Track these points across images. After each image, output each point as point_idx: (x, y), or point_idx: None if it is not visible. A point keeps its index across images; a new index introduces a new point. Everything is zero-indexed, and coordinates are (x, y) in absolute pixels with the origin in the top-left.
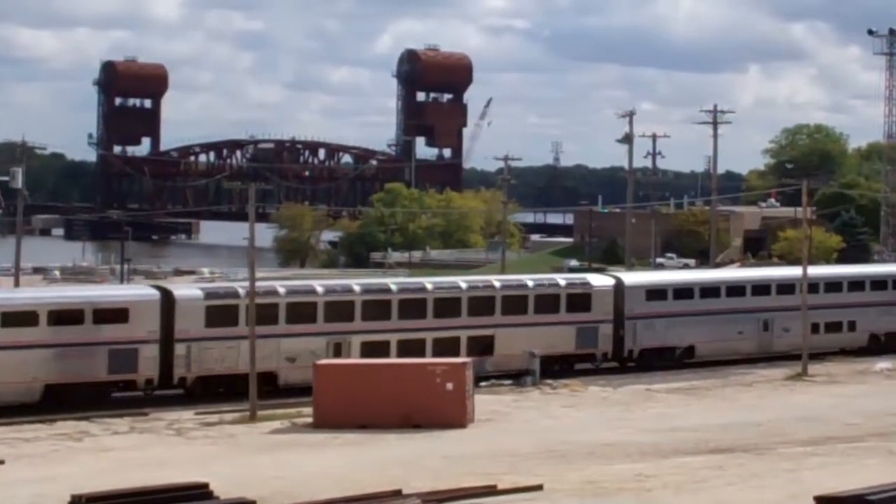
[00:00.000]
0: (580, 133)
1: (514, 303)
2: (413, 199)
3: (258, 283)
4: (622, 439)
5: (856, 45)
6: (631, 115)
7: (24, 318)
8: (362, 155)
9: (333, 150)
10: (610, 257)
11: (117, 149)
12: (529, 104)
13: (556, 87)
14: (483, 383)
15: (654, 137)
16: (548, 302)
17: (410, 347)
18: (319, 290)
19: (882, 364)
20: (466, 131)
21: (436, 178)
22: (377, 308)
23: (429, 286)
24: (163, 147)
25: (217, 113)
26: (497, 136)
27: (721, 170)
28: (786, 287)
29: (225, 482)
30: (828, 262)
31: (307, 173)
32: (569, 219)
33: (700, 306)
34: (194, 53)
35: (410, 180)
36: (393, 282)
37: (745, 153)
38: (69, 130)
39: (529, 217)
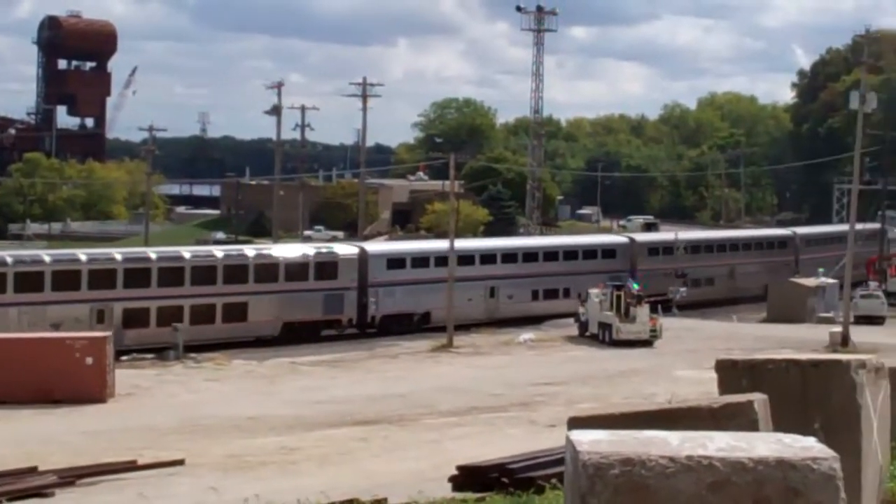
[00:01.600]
0: (228, 104)
1: (266, 271)
2: (53, 170)
3: (24, 252)
4: (266, 412)
5: (504, 20)
6: (279, 86)
7: None
8: None
9: None
10: (257, 229)
11: None
12: (176, 74)
13: (202, 57)
14: (124, 357)
15: (304, 109)
16: (297, 270)
17: (169, 314)
18: (83, 258)
19: (525, 335)
20: (110, 100)
21: (78, 147)
22: (138, 276)
23: (186, 255)
24: None
25: None
26: (143, 105)
27: (370, 143)
28: (510, 256)
29: None
30: (475, 234)
31: None
32: (216, 191)
33: (435, 275)
34: None
35: (51, 150)
36: (153, 251)
37: (395, 126)
38: None
39: (175, 189)
